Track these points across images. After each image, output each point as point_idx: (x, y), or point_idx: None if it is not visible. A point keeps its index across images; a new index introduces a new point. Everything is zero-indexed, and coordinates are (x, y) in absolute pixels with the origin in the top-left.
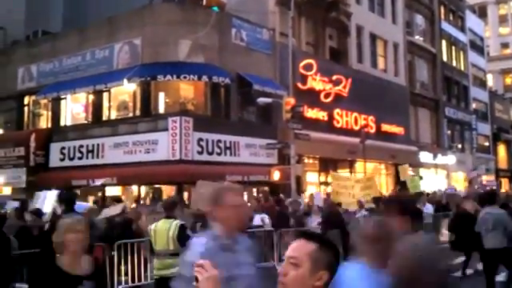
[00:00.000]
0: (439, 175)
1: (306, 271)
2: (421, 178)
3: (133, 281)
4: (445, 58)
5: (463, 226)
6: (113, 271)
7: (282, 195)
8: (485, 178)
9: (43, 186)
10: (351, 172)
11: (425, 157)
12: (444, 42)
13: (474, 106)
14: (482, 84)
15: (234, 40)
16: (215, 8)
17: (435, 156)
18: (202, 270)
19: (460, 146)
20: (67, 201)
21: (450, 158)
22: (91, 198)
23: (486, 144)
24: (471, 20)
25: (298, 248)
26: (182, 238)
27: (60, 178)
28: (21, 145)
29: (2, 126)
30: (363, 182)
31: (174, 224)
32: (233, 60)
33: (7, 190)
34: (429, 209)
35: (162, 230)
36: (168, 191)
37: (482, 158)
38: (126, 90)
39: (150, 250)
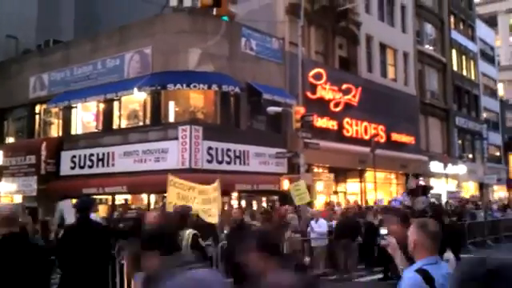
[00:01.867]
0: (450, 185)
1: None
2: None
3: None
4: (455, 68)
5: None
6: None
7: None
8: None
9: (54, 194)
10: (361, 181)
11: (435, 166)
12: (454, 52)
13: (484, 115)
14: (493, 93)
15: (243, 49)
16: (225, 17)
17: (446, 166)
18: None
19: (471, 155)
20: (81, 209)
21: (461, 168)
22: (102, 208)
23: (498, 154)
24: (481, 29)
25: None
26: (196, 247)
27: (71, 186)
28: (32, 153)
29: (13, 134)
30: (207, 194)
31: (187, 233)
32: (242, 69)
33: (18, 198)
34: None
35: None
36: None
37: (494, 167)
38: (136, 99)
39: None
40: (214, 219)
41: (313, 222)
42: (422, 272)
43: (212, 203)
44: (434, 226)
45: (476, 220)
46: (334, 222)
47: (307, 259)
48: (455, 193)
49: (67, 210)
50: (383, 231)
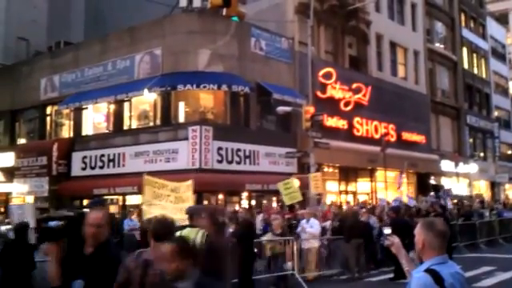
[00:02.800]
0: (461, 184)
1: None
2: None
3: None
4: (466, 66)
5: None
6: None
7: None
8: None
9: (65, 194)
10: (372, 181)
11: (446, 165)
12: (465, 50)
13: (496, 113)
14: (504, 91)
15: (253, 49)
16: (235, 18)
17: (457, 164)
18: None
19: (482, 154)
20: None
21: (472, 167)
22: (112, 208)
23: (509, 152)
24: (492, 27)
25: None
26: None
27: (82, 186)
28: (43, 154)
29: (25, 135)
30: (179, 192)
31: (201, 233)
32: (252, 69)
33: (30, 199)
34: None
35: (189, 238)
36: None
37: (505, 166)
38: (146, 100)
39: None
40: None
41: (304, 222)
42: (432, 272)
43: (185, 202)
44: (441, 224)
45: (483, 219)
46: (328, 223)
47: (289, 264)
48: (449, 191)
49: (27, 213)
50: (387, 231)
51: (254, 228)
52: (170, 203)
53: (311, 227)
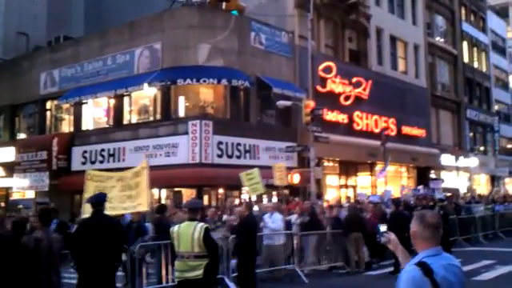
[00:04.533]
0: (461, 178)
1: None
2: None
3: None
4: (466, 60)
5: None
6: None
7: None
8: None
9: (65, 189)
10: (372, 175)
11: (446, 159)
12: (465, 43)
13: (496, 107)
14: (505, 85)
15: (253, 43)
16: (234, 12)
17: (457, 158)
18: None
19: (482, 148)
20: (95, 204)
21: (473, 161)
22: None
23: (509, 146)
24: (493, 21)
25: None
26: (209, 240)
27: (82, 181)
28: (43, 149)
29: (25, 130)
30: (125, 180)
31: (200, 226)
32: (252, 63)
33: (31, 194)
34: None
35: (186, 232)
36: (188, 194)
37: (505, 160)
38: (146, 95)
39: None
40: (143, 207)
41: (266, 217)
42: (422, 265)
43: (135, 189)
44: (431, 216)
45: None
46: (293, 217)
47: (233, 261)
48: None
49: None
50: (383, 228)
51: (254, 222)
52: (117, 193)
53: (273, 222)
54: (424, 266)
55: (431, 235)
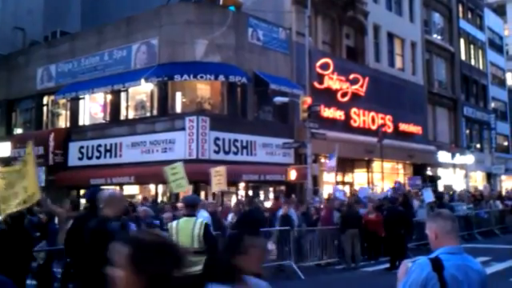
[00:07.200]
0: (457, 175)
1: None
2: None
3: None
4: (463, 57)
5: None
6: None
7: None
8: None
9: (62, 185)
10: (368, 172)
11: (443, 156)
12: (462, 41)
13: (492, 105)
14: (501, 83)
15: (250, 39)
16: (232, 8)
17: (453, 156)
18: None
19: (479, 145)
20: (90, 200)
21: (469, 158)
22: None
23: (506, 144)
24: (490, 18)
25: None
26: (209, 236)
27: (78, 177)
28: (40, 144)
29: (21, 125)
30: (11, 175)
31: (199, 222)
32: (249, 59)
33: None
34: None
35: (186, 228)
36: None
37: (502, 157)
38: (143, 90)
39: None
40: (36, 196)
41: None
42: (434, 260)
43: (17, 185)
44: (446, 212)
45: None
46: (230, 215)
47: None
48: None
49: None
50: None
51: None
52: (3, 191)
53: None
54: (436, 262)
55: (451, 228)
